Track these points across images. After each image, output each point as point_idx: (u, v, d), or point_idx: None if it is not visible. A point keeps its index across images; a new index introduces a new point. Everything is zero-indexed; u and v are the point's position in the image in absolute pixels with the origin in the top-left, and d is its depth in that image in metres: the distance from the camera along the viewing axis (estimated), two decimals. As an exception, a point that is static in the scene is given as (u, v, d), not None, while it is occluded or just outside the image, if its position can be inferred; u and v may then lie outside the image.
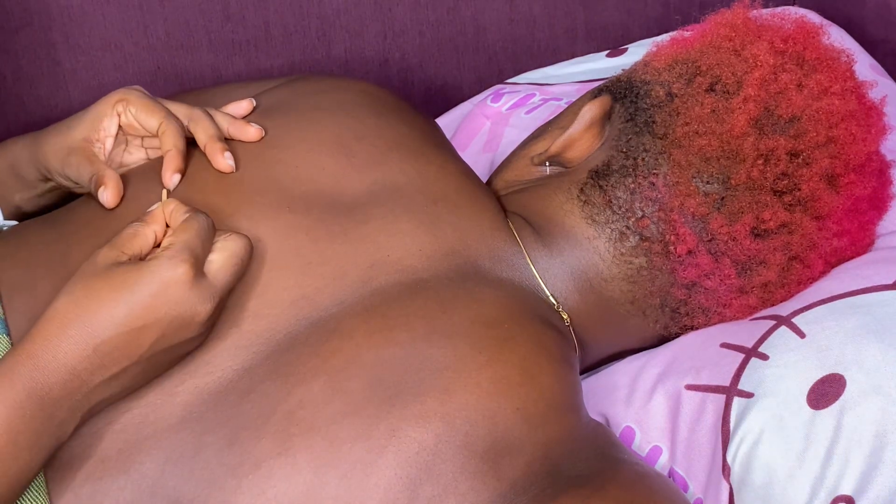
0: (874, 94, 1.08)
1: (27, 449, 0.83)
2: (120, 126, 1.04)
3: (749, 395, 0.99)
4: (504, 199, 1.09)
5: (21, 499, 0.87)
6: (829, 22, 1.39)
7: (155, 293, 0.86)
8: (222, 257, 0.90)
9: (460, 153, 1.23)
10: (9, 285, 0.96)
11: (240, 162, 1.02)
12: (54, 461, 0.89)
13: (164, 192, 0.97)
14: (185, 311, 0.87)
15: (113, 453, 0.90)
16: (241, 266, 0.91)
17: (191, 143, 1.03)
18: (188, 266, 0.87)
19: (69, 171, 1.02)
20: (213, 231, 0.91)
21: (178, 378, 0.92)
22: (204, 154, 1.02)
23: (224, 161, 1.00)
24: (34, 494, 0.88)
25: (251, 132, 1.03)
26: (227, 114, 1.06)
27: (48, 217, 1.04)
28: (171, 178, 0.99)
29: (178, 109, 1.04)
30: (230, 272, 0.90)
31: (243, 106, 1.08)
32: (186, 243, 0.88)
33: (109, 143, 1.04)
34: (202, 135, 1.02)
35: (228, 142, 1.03)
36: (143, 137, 1.05)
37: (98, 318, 0.86)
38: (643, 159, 1.02)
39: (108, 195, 0.99)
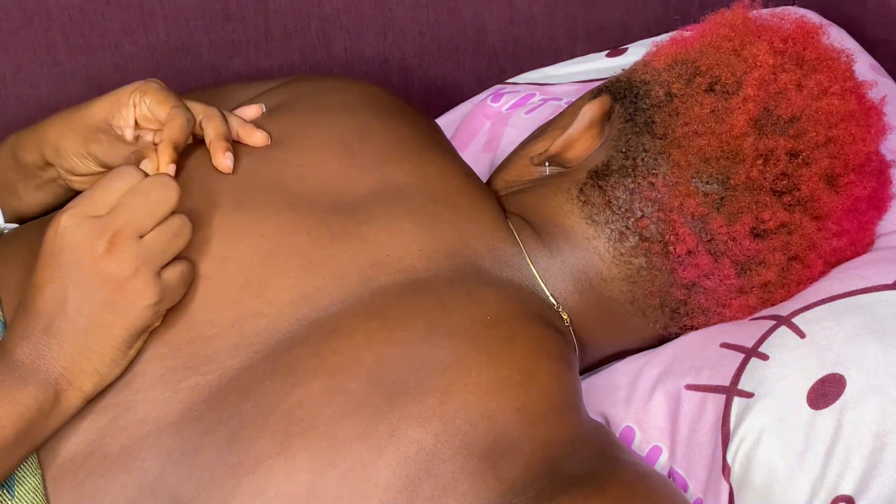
0: (874, 94, 1.08)
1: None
2: (135, 119, 1.04)
3: (749, 395, 0.99)
4: (504, 200, 1.09)
5: (19, 498, 0.87)
6: (829, 22, 1.39)
7: (52, 240, 0.89)
8: (130, 194, 0.90)
9: (460, 153, 1.23)
10: (9, 288, 0.97)
11: (243, 160, 1.02)
12: (56, 458, 0.89)
13: None
14: (77, 251, 0.88)
15: (115, 449, 0.90)
16: (147, 200, 0.89)
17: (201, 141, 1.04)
18: (72, 210, 0.89)
19: (96, 149, 1.01)
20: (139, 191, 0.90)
21: (181, 373, 0.92)
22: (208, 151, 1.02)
23: (223, 160, 1.00)
24: (31, 497, 0.88)
25: (258, 137, 1.03)
26: (239, 116, 1.06)
27: (48, 219, 1.04)
28: (169, 168, 0.98)
29: (195, 107, 1.04)
30: (129, 205, 0.89)
31: (252, 110, 1.08)
32: (80, 196, 0.90)
33: (129, 133, 1.03)
34: (211, 131, 1.02)
35: (234, 142, 1.04)
36: (155, 132, 1.04)
37: (31, 278, 0.89)
38: (643, 159, 1.02)
39: (153, 165, 0.98)
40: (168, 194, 0.90)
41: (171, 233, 0.90)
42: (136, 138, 1.04)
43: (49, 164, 1.04)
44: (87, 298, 0.87)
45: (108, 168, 1.02)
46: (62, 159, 1.03)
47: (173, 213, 0.91)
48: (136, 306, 0.88)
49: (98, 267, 0.87)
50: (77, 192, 1.07)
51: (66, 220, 0.88)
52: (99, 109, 1.03)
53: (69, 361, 0.87)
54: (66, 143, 1.02)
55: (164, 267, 0.90)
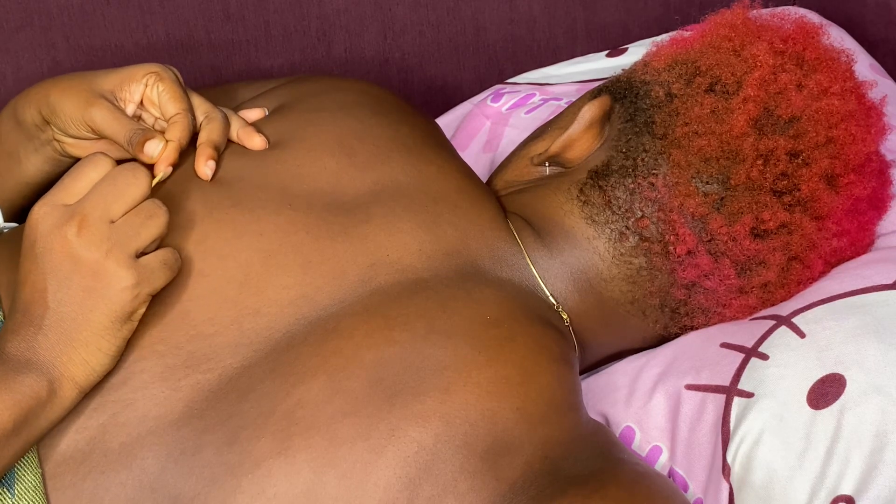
0: (874, 94, 1.08)
1: None
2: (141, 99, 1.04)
3: (749, 395, 0.99)
4: (504, 200, 1.09)
5: (18, 496, 0.87)
6: (829, 22, 1.39)
7: (27, 233, 0.89)
8: (99, 182, 0.90)
9: (460, 153, 1.23)
10: (9, 288, 0.96)
11: (242, 159, 1.02)
12: (56, 455, 0.89)
13: (154, 180, 0.97)
14: (48, 239, 0.88)
15: (115, 447, 0.90)
16: (115, 185, 0.89)
17: None
18: (43, 201, 0.89)
19: (95, 114, 1.01)
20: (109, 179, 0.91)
21: (181, 371, 0.92)
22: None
23: (203, 168, 1.00)
24: (31, 494, 0.88)
25: (257, 142, 1.03)
26: (242, 118, 1.06)
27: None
28: (164, 169, 0.98)
29: (201, 105, 1.04)
30: (97, 191, 0.89)
31: (255, 113, 1.08)
32: (52, 188, 0.90)
33: (131, 108, 1.03)
34: (204, 136, 1.02)
35: (233, 142, 1.04)
36: (156, 118, 1.04)
37: (17, 274, 0.90)
38: (643, 159, 1.02)
39: (160, 148, 0.98)
40: (136, 179, 0.90)
41: (143, 215, 0.90)
42: (137, 118, 1.04)
43: (46, 123, 1.04)
44: (63, 286, 0.88)
45: (102, 138, 1.02)
46: (57, 118, 1.03)
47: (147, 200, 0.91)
48: (112, 289, 0.88)
49: (69, 251, 0.88)
50: (71, 157, 1.08)
51: (38, 211, 0.89)
52: (108, 79, 1.03)
53: (57, 351, 0.88)
54: (66, 105, 1.02)
55: (145, 253, 0.90)
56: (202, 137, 1.02)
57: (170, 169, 0.98)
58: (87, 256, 0.88)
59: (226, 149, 1.03)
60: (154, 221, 0.90)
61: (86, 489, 0.89)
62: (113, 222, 0.89)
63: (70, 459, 0.89)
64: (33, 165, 1.08)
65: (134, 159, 0.98)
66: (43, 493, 0.88)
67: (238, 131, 1.04)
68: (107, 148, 1.03)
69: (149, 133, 0.99)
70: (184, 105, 1.02)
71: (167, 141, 0.99)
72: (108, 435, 0.90)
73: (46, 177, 1.09)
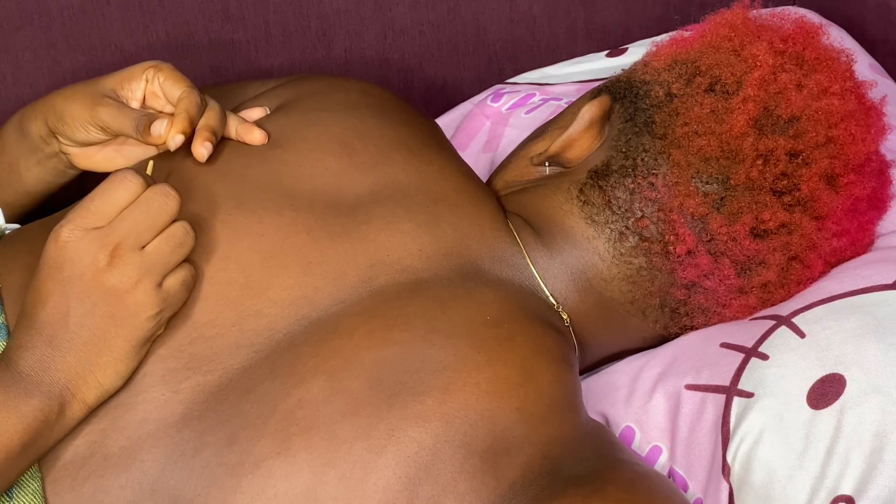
0: (874, 94, 1.08)
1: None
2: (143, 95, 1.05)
3: (749, 395, 0.99)
4: (504, 200, 1.09)
5: (17, 501, 0.88)
6: (829, 22, 1.39)
7: (53, 253, 0.88)
8: (130, 206, 0.89)
9: (460, 153, 1.23)
10: (10, 290, 0.96)
11: (243, 159, 1.02)
12: (56, 460, 0.89)
13: (150, 162, 0.97)
14: (78, 265, 0.87)
15: (115, 450, 0.90)
16: (148, 211, 0.89)
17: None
18: (72, 223, 0.88)
19: (102, 112, 1.01)
20: (141, 204, 0.90)
21: (182, 374, 0.92)
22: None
23: (200, 149, 1.00)
24: (30, 499, 0.88)
25: (257, 136, 1.03)
26: (238, 116, 1.06)
27: (49, 220, 1.04)
28: (175, 137, 0.99)
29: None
30: (130, 216, 0.88)
31: (257, 112, 1.08)
32: (80, 207, 0.89)
33: (134, 106, 1.04)
34: (202, 122, 1.02)
35: (234, 141, 1.04)
36: (159, 113, 1.05)
37: (29, 289, 0.89)
38: (642, 159, 1.02)
39: (166, 127, 0.98)
40: (169, 204, 0.90)
41: (173, 243, 0.90)
42: None
43: (52, 136, 1.05)
44: (89, 312, 0.87)
45: (112, 135, 1.03)
46: (65, 125, 1.03)
47: (175, 221, 0.91)
48: (137, 318, 0.88)
49: (100, 280, 0.87)
50: (76, 170, 1.08)
51: (67, 234, 0.88)
52: (109, 80, 1.04)
53: (73, 374, 0.87)
54: (73, 109, 1.03)
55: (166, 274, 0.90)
56: (200, 123, 1.02)
57: (181, 137, 0.98)
58: (118, 286, 0.88)
59: (228, 148, 1.03)
60: (183, 248, 0.91)
61: (85, 493, 0.89)
62: (143, 247, 0.89)
63: (70, 464, 0.90)
64: (35, 177, 1.08)
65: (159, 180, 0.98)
66: (42, 498, 0.88)
67: (237, 128, 1.04)
68: (114, 154, 1.04)
69: (154, 115, 1.00)
70: (188, 84, 1.02)
71: (173, 115, 0.99)
72: (109, 439, 0.90)
73: (48, 187, 1.10)
